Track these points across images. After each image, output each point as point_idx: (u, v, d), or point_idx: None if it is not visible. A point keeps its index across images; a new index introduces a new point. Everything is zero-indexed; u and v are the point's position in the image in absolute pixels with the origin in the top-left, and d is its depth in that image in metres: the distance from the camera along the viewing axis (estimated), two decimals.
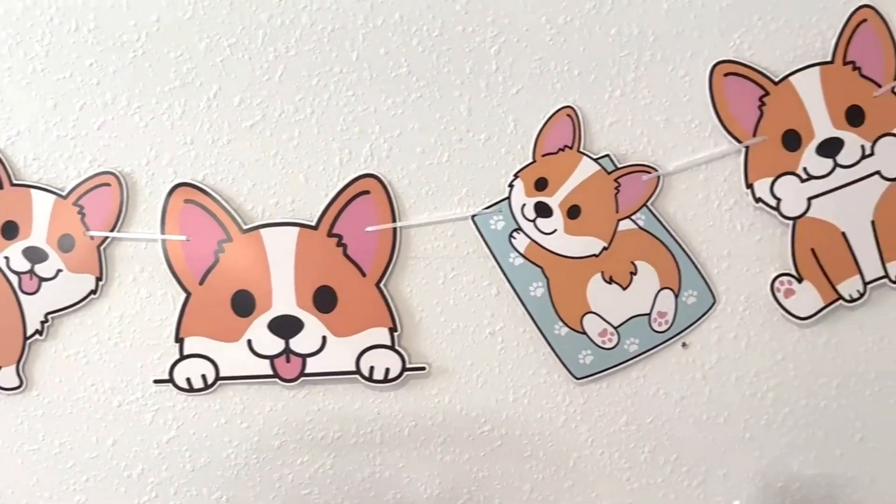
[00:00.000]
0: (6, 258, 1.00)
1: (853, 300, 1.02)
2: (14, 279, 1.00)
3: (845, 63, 0.99)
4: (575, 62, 1.00)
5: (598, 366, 1.03)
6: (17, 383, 1.01)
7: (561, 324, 1.02)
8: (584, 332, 1.03)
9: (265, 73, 1.00)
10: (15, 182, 1.00)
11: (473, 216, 1.02)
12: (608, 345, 1.03)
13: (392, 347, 1.02)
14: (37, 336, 1.01)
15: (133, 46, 0.99)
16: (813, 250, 1.01)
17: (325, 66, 1.00)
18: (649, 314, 1.03)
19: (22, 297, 1.00)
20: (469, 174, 1.02)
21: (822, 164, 1.00)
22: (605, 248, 1.02)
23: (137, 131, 1.00)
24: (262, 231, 1.01)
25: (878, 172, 1.00)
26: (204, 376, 1.02)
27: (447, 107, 1.01)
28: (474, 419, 1.04)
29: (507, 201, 1.01)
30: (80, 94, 0.99)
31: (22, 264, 1.00)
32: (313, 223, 1.01)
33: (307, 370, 1.02)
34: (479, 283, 1.03)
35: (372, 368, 1.02)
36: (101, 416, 1.02)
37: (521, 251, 1.02)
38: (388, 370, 1.02)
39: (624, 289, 1.02)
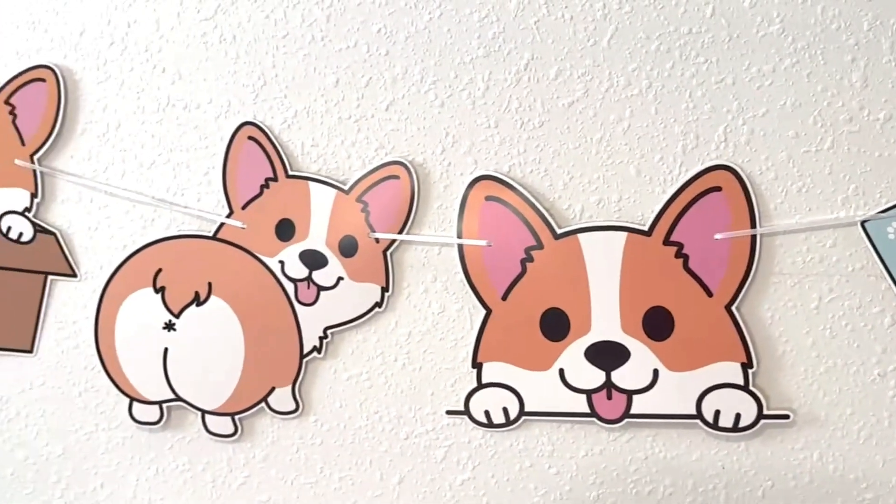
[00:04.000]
0: (281, 262, 0.86)
1: None
2: (290, 287, 0.86)
3: None
4: None
5: None
6: (292, 407, 0.88)
7: None
8: None
9: (590, 37, 0.78)
10: (291, 173, 0.84)
11: (863, 222, 0.77)
12: None
13: (745, 388, 0.80)
14: (314, 353, 0.86)
15: (429, 7, 0.80)
16: None
17: (668, 24, 0.77)
18: None
19: (298, 308, 0.86)
20: (860, 166, 0.76)
21: None
22: None
23: (432, 112, 0.82)
24: (581, 236, 0.81)
25: None
26: (506, 410, 0.84)
27: (834, 76, 0.76)
28: (852, 483, 0.80)
29: None
30: (366, 67, 0.82)
31: (299, 270, 0.85)
32: (646, 228, 0.80)
33: (633, 410, 0.82)
34: (866, 309, 0.78)
35: (718, 412, 0.80)
36: (387, 450, 0.87)
37: None
38: (738, 416, 0.80)
39: None
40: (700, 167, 0.79)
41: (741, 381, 0.80)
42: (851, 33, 0.75)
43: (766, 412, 0.80)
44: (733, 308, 0.79)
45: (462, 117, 0.82)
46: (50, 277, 0.89)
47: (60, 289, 0.90)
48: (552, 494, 0.85)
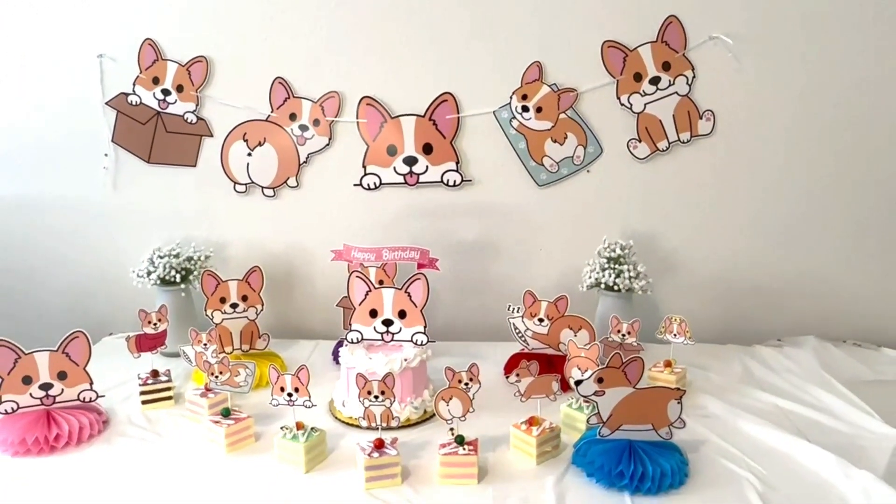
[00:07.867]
0: (291, 129, 2.33)
1: (664, 150, 2.24)
2: (294, 139, 2.33)
3: (662, 41, 2.18)
4: (545, 42, 2.22)
5: (549, 180, 2.30)
6: (296, 185, 2.36)
7: (532, 161, 2.29)
8: (542, 165, 2.29)
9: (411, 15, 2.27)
10: (295, 96, 2.31)
11: (494, 111, 2.28)
12: (554, 170, 2.29)
13: (457, 170, 2.31)
14: (304, 164, 2.35)
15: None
16: (647, 128, 2.23)
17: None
18: (571, 156, 2.28)
19: (299, 147, 2.33)
20: (493, 92, 2.26)
21: (651, 88, 2.21)
22: (553, 126, 2.26)
23: (349, 77, 2.29)
24: (401, 118, 2.30)
25: (676, 92, 2.20)
26: (375, 183, 2.34)
27: (488, 66, 2.25)
28: (495, 203, 2.33)
29: (509, 104, 2.27)
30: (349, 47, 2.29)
31: (298, 132, 2.33)
32: (423, 114, 2.29)
33: (420, 181, 2.32)
34: (496, 142, 2.29)
35: (448, 180, 2.31)
36: (332, 198, 2.36)
37: (515, 128, 2.28)
38: (455, 181, 2.31)
39: (561, 145, 2.27)
40: (440, 91, 2.28)
41: (455, 168, 2.31)
42: (498, 54, 2.25)
43: (464, 178, 2.31)
44: (452, 142, 2.30)
45: (357, 77, 2.29)
46: (202, 136, 2.35)
47: (207, 141, 2.35)
48: (391, 210, 2.35)
